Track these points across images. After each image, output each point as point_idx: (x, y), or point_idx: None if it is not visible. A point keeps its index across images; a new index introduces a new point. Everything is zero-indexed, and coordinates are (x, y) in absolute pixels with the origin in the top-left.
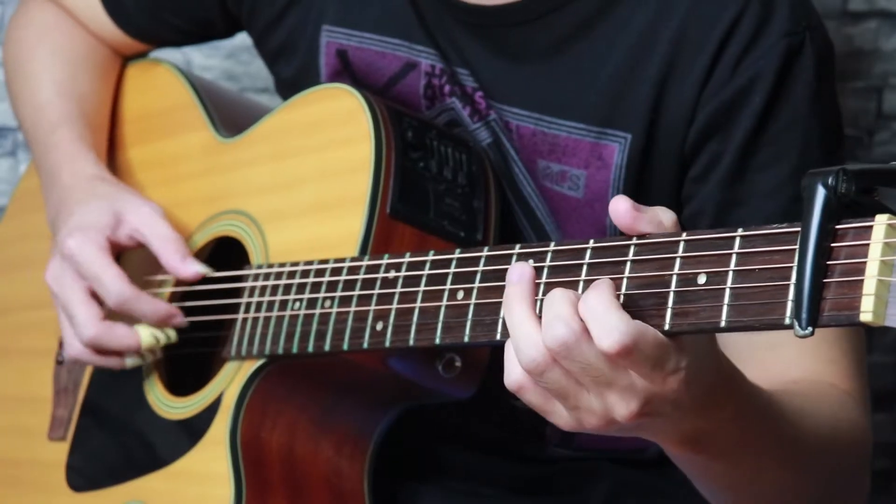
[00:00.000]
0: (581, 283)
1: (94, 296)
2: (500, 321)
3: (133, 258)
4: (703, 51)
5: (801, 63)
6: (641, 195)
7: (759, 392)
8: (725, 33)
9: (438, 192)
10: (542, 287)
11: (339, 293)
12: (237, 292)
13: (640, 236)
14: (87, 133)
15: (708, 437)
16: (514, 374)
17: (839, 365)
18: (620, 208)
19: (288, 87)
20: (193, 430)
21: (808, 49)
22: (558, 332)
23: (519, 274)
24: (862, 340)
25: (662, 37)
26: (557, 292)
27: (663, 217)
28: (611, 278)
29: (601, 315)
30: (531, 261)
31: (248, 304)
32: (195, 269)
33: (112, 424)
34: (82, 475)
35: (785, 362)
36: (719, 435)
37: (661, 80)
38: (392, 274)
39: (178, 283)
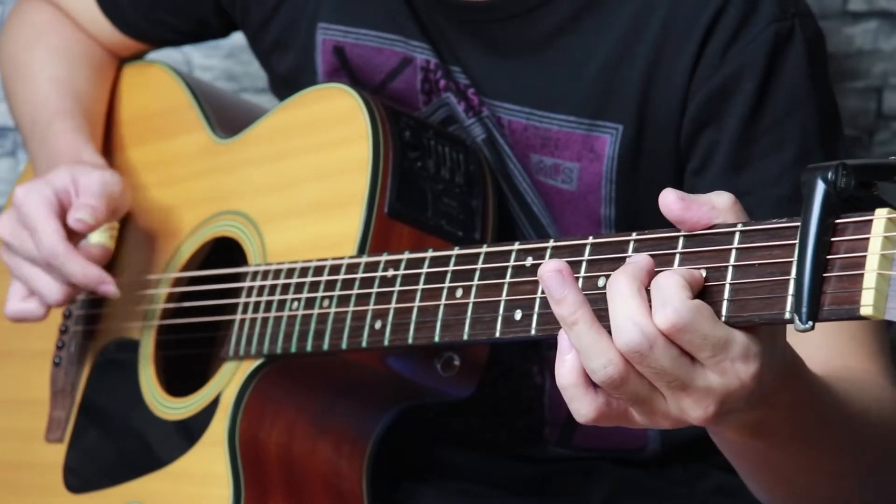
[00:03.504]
0: (581, 279)
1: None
2: (499, 319)
3: (131, 258)
4: (689, 39)
5: (792, 49)
6: (635, 187)
7: (815, 377)
8: (711, 21)
9: (436, 191)
10: (540, 286)
11: (337, 292)
12: (235, 292)
13: (641, 233)
14: (86, 126)
15: (769, 424)
16: (588, 408)
17: (861, 342)
18: (669, 200)
19: (283, 83)
20: (191, 430)
21: (797, 35)
22: (631, 339)
23: (559, 283)
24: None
25: (650, 26)
26: (623, 286)
27: (717, 200)
28: (610, 274)
29: (662, 287)
30: (530, 258)
31: (246, 305)
32: (77, 216)
33: (110, 425)
34: (80, 476)
35: (807, 344)
36: (781, 422)
37: (650, 70)
38: (390, 272)
39: (176, 283)
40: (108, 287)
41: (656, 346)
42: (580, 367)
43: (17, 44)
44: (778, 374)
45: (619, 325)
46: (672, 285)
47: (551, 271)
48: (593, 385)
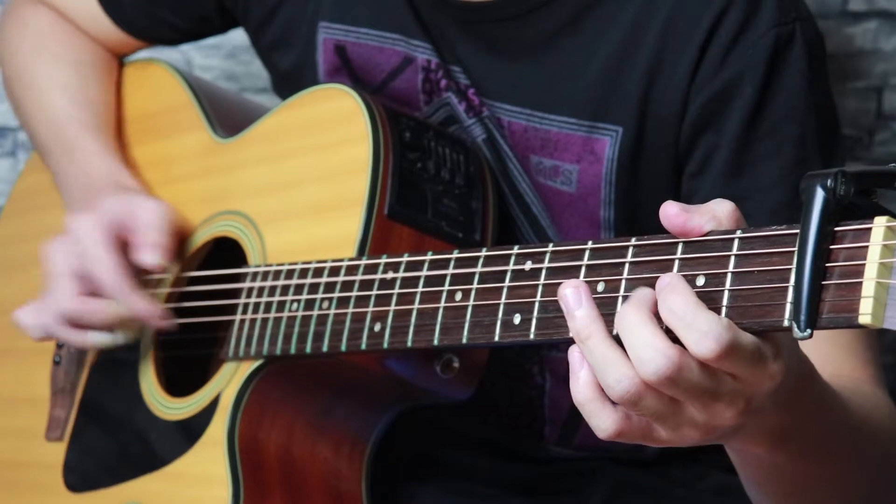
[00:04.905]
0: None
1: (81, 277)
2: (498, 322)
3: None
4: (690, 42)
5: (792, 53)
6: (634, 189)
7: (826, 384)
8: (713, 24)
9: (436, 192)
10: (539, 288)
11: (336, 294)
12: (235, 293)
13: (640, 238)
14: (112, 143)
15: (788, 432)
16: (606, 423)
17: (854, 351)
18: (670, 212)
19: (284, 81)
20: (191, 430)
21: (798, 39)
22: (656, 367)
23: (575, 299)
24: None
25: (650, 29)
26: (632, 314)
27: (717, 209)
28: (609, 280)
29: (692, 318)
30: (529, 262)
31: (246, 305)
32: (152, 257)
33: (109, 425)
34: (79, 476)
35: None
36: (799, 430)
37: (650, 73)
38: (390, 275)
39: (176, 283)
40: (170, 322)
41: (684, 367)
42: (595, 381)
43: (21, 55)
44: (797, 377)
45: (641, 355)
46: (700, 311)
47: (569, 287)
48: (610, 398)
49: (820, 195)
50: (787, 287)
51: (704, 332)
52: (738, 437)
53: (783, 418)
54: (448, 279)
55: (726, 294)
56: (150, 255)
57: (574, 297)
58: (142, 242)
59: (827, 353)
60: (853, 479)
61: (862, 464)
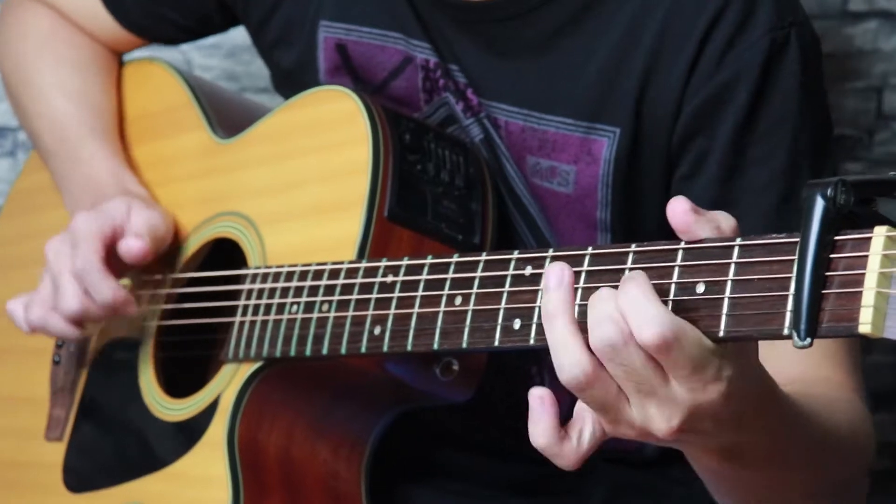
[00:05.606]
0: (580, 291)
1: None
2: (498, 327)
3: None
4: (686, 44)
5: (787, 58)
6: (631, 191)
7: (791, 401)
8: (708, 27)
9: (436, 194)
10: (540, 294)
11: (336, 297)
12: (234, 295)
13: (640, 245)
14: (116, 145)
15: (744, 449)
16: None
17: (837, 360)
18: (678, 209)
19: (286, 79)
20: (191, 431)
21: (793, 44)
22: (606, 332)
23: (558, 279)
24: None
25: (647, 30)
26: (604, 291)
27: (722, 221)
28: (610, 286)
29: (642, 306)
30: (529, 267)
31: (246, 307)
32: (131, 244)
33: (109, 425)
34: (79, 476)
35: (784, 357)
36: (755, 446)
37: (646, 74)
38: (390, 278)
39: (175, 284)
40: (132, 309)
41: (631, 342)
42: (556, 427)
43: (23, 52)
44: (751, 400)
45: (596, 321)
46: (652, 301)
47: (556, 266)
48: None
49: (820, 204)
50: (787, 295)
51: (649, 318)
52: (685, 448)
53: (737, 437)
54: (448, 283)
55: (726, 302)
56: (125, 248)
57: (556, 277)
58: (127, 235)
59: (808, 362)
60: (819, 488)
61: (828, 472)
